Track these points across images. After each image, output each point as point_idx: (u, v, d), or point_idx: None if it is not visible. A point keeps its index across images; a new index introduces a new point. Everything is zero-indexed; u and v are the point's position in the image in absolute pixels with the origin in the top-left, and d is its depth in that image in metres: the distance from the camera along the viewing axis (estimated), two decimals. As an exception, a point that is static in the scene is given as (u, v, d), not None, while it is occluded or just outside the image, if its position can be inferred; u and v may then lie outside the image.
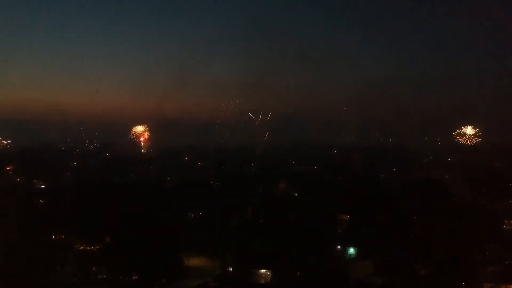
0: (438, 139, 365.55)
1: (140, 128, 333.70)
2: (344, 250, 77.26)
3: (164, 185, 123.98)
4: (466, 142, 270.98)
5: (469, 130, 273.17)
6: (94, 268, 67.62)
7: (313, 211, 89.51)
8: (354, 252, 76.64)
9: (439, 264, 63.34)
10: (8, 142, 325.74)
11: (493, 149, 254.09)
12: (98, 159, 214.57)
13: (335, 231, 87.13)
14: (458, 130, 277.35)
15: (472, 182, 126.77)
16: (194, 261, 73.25)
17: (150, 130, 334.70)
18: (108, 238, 74.93)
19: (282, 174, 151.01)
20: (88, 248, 76.09)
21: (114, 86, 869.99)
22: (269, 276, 65.89)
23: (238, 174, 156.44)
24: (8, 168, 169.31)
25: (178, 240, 72.37)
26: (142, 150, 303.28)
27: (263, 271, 66.51)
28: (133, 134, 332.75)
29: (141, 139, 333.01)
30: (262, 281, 66.07)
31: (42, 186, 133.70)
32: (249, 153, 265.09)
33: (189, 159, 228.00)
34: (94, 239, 76.29)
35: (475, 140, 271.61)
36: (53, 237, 78.17)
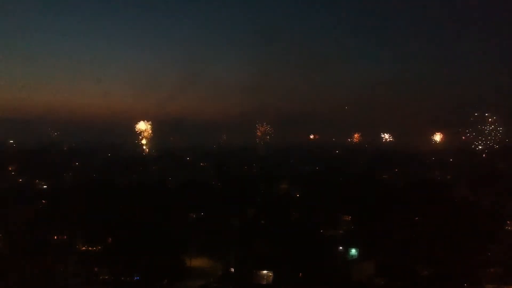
0: (439, 139, 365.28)
1: (142, 129, 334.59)
2: (346, 251, 77.15)
3: (166, 186, 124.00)
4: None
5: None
6: (96, 269, 67.71)
7: (315, 211, 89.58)
8: (356, 253, 76.54)
9: (441, 265, 63.27)
10: (10, 142, 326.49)
11: (495, 150, 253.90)
12: (100, 159, 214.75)
13: (336, 232, 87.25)
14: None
15: (474, 183, 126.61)
16: (196, 262, 73.33)
17: (152, 130, 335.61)
18: (110, 239, 74.99)
19: (284, 175, 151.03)
20: (90, 248, 76.22)
21: (117, 86, 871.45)
22: (271, 277, 65.89)
23: (240, 174, 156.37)
24: (10, 168, 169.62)
25: (180, 241, 72.35)
26: (145, 151, 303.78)
27: (265, 272, 66.49)
28: (135, 135, 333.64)
29: (144, 139, 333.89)
30: (264, 282, 66.09)
31: (44, 187, 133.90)
32: (251, 153, 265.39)
33: (191, 160, 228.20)
34: (96, 239, 76.38)
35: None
36: (55, 237, 78.33)
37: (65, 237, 78.74)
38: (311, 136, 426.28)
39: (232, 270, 69.41)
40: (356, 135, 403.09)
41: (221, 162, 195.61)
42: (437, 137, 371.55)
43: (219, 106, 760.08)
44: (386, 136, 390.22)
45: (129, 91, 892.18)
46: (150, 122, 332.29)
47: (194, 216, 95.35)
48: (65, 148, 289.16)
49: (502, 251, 70.92)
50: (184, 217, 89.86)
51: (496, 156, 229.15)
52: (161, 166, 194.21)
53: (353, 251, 76.92)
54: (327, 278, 60.67)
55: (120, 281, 64.96)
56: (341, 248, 77.55)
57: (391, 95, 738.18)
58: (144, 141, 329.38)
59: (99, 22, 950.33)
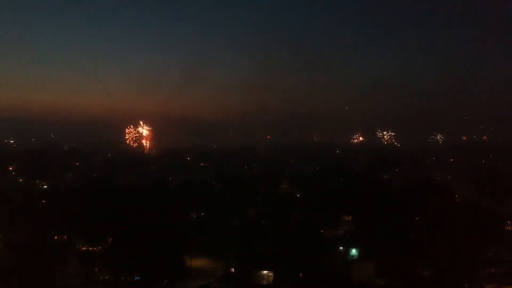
0: (441, 139, 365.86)
1: (143, 129, 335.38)
2: (346, 251, 77.08)
3: (167, 186, 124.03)
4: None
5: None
6: (96, 269, 67.75)
7: (316, 211, 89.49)
8: (356, 253, 76.48)
9: (441, 265, 63.21)
10: (10, 142, 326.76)
11: (496, 149, 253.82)
12: (100, 159, 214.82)
13: (337, 232, 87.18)
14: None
15: (475, 182, 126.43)
16: (197, 262, 73.32)
17: (153, 130, 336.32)
18: (110, 239, 75.00)
19: (285, 175, 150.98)
20: (90, 248, 76.24)
21: (118, 87, 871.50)
22: (271, 277, 65.86)
23: (240, 174, 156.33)
24: (10, 168, 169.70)
25: (181, 241, 72.33)
26: (145, 151, 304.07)
27: (265, 272, 66.47)
28: (136, 135, 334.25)
29: (144, 139, 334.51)
30: (265, 282, 66.06)
31: (45, 187, 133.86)
32: (251, 153, 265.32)
33: (192, 160, 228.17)
34: (96, 239, 76.41)
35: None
36: (56, 237, 78.36)
37: (65, 237, 78.80)
38: (312, 136, 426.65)
39: (233, 270, 69.38)
40: (356, 135, 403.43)
41: (221, 162, 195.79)
42: (438, 137, 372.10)
43: (219, 106, 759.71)
44: (386, 136, 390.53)
45: (130, 91, 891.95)
46: (151, 122, 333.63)
47: (194, 216, 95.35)
48: (65, 148, 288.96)
49: (502, 251, 70.94)
50: (184, 217, 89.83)
51: (496, 156, 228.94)
52: (161, 166, 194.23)
53: (354, 251, 76.83)
54: (328, 278, 60.57)
55: (120, 281, 64.95)
56: (341, 248, 77.50)
57: (391, 95, 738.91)
58: (145, 141, 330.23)
59: (100, 22, 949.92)
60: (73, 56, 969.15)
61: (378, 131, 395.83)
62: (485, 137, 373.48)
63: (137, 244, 65.07)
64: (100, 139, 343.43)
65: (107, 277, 66.45)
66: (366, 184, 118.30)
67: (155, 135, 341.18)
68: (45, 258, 63.79)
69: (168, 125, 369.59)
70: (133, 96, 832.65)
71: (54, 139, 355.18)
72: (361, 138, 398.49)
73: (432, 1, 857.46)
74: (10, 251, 66.31)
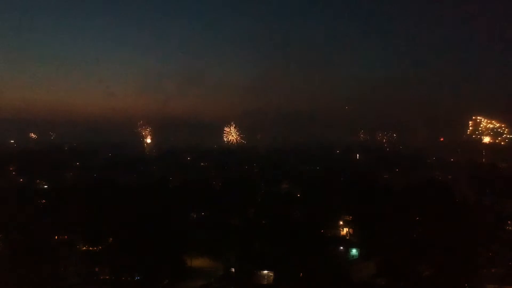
0: (441, 139, 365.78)
1: (144, 128, 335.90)
2: (347, 251, 77.18)
3: (167, 185, 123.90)
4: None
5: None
6: (97, 269, 67.66)
7: (316, 211, 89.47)
8: (357, 253, 76.52)
9: (442, 265, 63.15)
10: (11, 142, 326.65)
11: (496, 149, 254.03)
12: (100, 159, 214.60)
13: (337, 232, 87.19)
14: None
15: (475, 182, 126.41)
16: (197, 262, 73.29)
17: (153, 130, 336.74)
18: (110, 239, 74.97)
19: (285, 174, 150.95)
20: (91, 248, 76.19)
21: (119, 87, 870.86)
22: (272, 277, 65.88)
23: (240, 174, 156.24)
24: (11, 168, 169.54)
25: (181, 241, 72.34)
26: (145, 150, 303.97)
27: (265, 272, 66.51)
28: (136, 135, 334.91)
29: (145, 139, 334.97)
30: (265, 282, 66.07)
31: (45, 186, 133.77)
32: (251, 153, 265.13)
33: (192, 159, 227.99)
34: (97, 239, 76.36)
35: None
36: (56, 237, 78.31)
37: (66, 237, 78.72)
38: (312, 136, 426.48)
39: (233, 270, 69.34)
40: (356, 135, 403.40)
41: (221, 162, 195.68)
42: (438, 136, 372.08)
43: (219, 106, 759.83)
44: (387, 136, 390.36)
45: (130, 91, 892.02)
46: (151, 122, 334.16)
47: (195, 216, 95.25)
48: (65, 148, 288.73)
49: (503, 251, 70.84)
50: (185, 217, 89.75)
51: (496, 155, 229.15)
52: (162, 165, 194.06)
53: (354, 251, 76.92)
54: (328, 278, 60.53)
55: (120, 281, 64.88)
56: (342, 248, 77.55)
57: (391, 95, 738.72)
58: (145, 141, 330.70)
59: (100, 22, 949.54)
60: (73, 56, 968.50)
61: (379, 131, 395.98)
62: (487, 138, 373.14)
63: (137, 244, 65.08)
64: (100, 139, 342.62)
65: (107, 277, 66.36)
66: (367, 184, 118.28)
67: (156, 135, 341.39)
68: (45, 258, 63.76)
69: (169, 125, 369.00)
70: (133, 95, 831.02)
71: (54, 139, 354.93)
72: (361, 138, 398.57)
73: (432, 4, 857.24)
74: (10, 251, 66.28)
